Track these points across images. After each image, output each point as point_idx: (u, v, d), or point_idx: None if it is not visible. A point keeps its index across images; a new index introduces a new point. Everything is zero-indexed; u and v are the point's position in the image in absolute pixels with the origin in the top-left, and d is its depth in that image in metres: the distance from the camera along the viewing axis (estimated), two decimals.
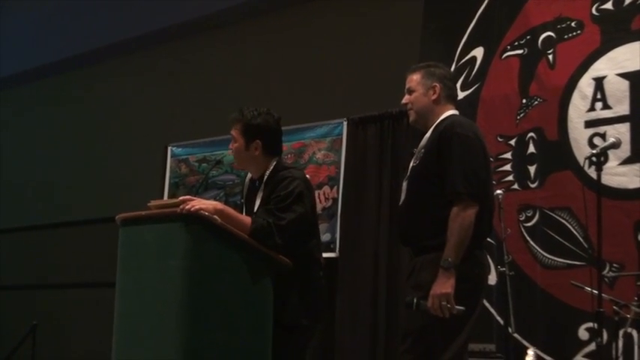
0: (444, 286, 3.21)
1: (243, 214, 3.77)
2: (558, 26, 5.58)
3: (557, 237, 5.34)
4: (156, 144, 7.98)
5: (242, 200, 3.98)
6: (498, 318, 5.34)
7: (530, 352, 4.96)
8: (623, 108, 5.19)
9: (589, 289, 4.30)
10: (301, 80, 7.29)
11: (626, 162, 5.11)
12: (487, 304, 5.33)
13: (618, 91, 5.23)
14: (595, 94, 5.33)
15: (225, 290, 3.44)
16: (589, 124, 5.32)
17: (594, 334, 4.26)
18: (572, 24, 5.53)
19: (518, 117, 5.67)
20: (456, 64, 6.01)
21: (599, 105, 5.30)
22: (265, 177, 3.75)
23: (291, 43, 7.47)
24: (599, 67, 5.34)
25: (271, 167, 3.76)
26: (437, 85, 3.58)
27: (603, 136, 5.21)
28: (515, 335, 4.91)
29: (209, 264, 3.41)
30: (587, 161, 4.13)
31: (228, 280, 3.45)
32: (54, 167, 9.31)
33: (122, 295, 3.57)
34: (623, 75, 5.23)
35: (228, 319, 3.42)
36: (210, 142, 7.45)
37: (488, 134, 5.43)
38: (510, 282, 4.78)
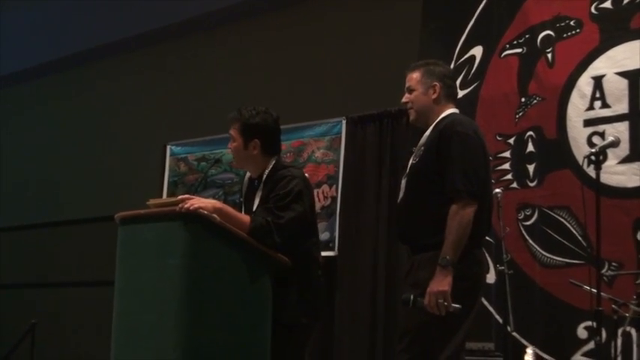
0: (441, 283, 3.21)
1: (242, 212, 3.77)
2: (557, 25, 5.59)
3: (556, 236, 5.34)
4: (155, 142, 7.98)
5: (241, 199, 3.98)
6: (497, 317, 5.35)
7: (529, 350, 4.97)
8: (622, 107, 5.19)
9: (588, 287, 4.30)
10: (300, 79, 7.29)
11: (624, 161, 5.11)
12: (486, 303, 5.34)
13: (617, 89, 5.23)
14: (594, 92, 5.33)
15: (224, 289, 3.44)
16: (588, 122, 5.32)
17: (593, 332, 4.26)
18: (571, 23, 5.53)
19: (517, 116, 5.67)
20: (455, 63, 6.02)
21: (598, 104, 5.31)
22: (264, 176, 3.75)
23: (291, 41, 7.47)
24: (598, 66, 5.34)
25: (270, 166, 3.76)
26: (437, 84, 3.57)
27: (602, 134, 5.21)
28: (514, 334, 4.91)
29: (208, 263, 3.41)
30: (586, 160, 4.12)
31: (227, 279, 3.45)
32: (53, 166, 9.30)
33: (121, 293, 3.57)
34: (622, 74, 5.23)
35: (227, 317, 3.42)
36: (210, 140, 7.45)
37: (487, 133, 5.42)
38: (509, 281, 4.79)
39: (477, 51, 5.98)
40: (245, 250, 3.49)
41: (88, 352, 7.95)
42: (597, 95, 5.31)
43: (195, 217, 3.38)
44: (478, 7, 6.02)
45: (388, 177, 6.27)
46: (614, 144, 4.27)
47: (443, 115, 3.53)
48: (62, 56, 9.22)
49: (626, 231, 5.03)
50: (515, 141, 5.66)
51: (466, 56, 6.02)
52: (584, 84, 5.37)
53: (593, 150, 4.10)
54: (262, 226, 3.52)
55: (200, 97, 8.01)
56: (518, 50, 5.76)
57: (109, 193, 8.38)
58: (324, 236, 6.37)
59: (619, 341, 4.39)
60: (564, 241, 5.29)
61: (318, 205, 6.33)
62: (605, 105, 5.27)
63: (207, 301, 3.37)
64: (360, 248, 6.35)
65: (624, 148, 5.06)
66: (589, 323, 4.89)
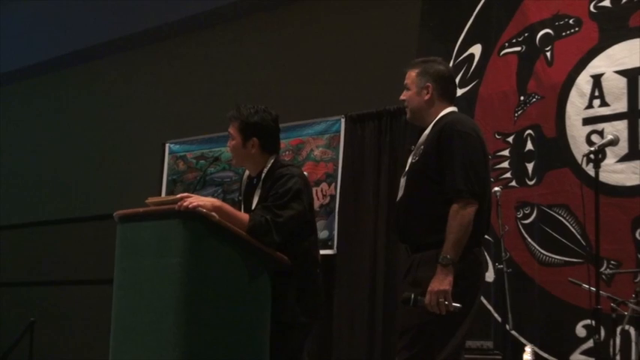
0: (442, 283, 3.20)
1: (241, 211, 3.77)
2: (556, 23, 5.59)
3: (554, 234, 5.34)
4: (154, 141, 7.97)
5: (240, 197, 3.97)
6: (496, 315, 5.35)
7: (528, 349, 4.97)
8: (621, 105, 5.20)
9: (587, 286, 4.30)
10: (299, 77, 7.28)
11: (623, 159, 5.11)
12: (485, 302, 5.34)
13: (616, 88, 5.23)
14: (593, 91, 5.33)
15: (223, 287, 3.43)
16: (587, 121, 5.33)
17: (592, 331, 4.27)
18: (570, 21, 5.53)
19: (516, 114, 5.67)
20: (454, 61, 6.02)
21: (597, 102, 5.31)
22: (263, 174, 3.75)
23: (289, 40, 7.47)
24: (597, 65, 5.34)
25: (269, 165, 3.76)
26: (430, 85, 3.54)
27: (601, 133, 5.21)
28: (513, 332, 4.92)
29: (207, 261, 3.41)
30: (584, 158, 4.13)
31: (225, 277, 3.45)
32: (52, 164, 9.30)
33: (119, 292, 3.56)
34: (621, 72, 5.24)
35: (226, 316, 3.42)
36: (208, 139, 7.45)
37: (486, 131, 5.44)
38: (508, 279, 4.79)
39: (476, 49, 5.98)
40: (244, 248, 3.49)
41: (86, 350, 7.96)
42: (596, 94, 5.31)
43: (194, 215, 3.38)
44: (477, 5, 6.02)
45: (387, 175, 6.27)
46: (613, 142, 4.28)
47: (442, 113, 3.52)
48: (61, 55, 9.22)
49: (624, 229, 5.03)
50: (514, 139, 5.66)
51: (465, 54, 6.02)
52: (583, 82, 5.37)
53: (592, 148, 4.10)
54: (261, 225, 3.51)
55: (199, 96, 8.01)
56: (518, 49, 5.76)
57: (108, 191, 8.39)
58: (322, 234, 6.37)
59: (618, 339, 4.39)
60: (563, 240, 5.30)
61: (316, 204, 6.33)
62: (604, 103, 5.27)
63: (205, 299, 3.37)
64: (358, 246, 6.35)
65: (623, 147, 5.07)
66: (588, 322, 4.90)
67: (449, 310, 3.20)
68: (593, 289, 3.98)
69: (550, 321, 5.27)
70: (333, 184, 6.59)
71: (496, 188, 4.80)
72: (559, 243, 5.31)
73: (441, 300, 3.20)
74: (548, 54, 5.59)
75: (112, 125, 8.81)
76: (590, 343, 4.94)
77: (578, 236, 5.22)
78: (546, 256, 5.36)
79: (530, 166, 5.55)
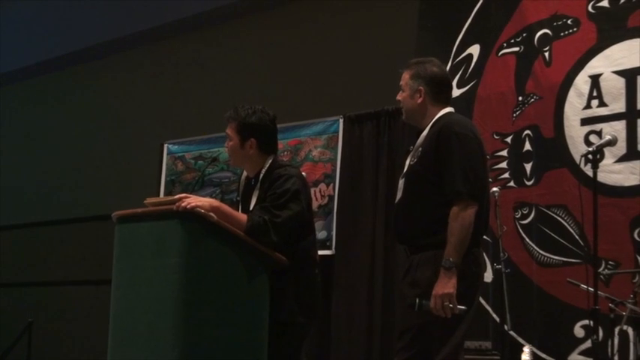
0: (447, 286, 3.20)
1: (239, 211, 3.76)
2: (554, 24, 5.59)
3: (553, 234, 5.34)
4: (152, 141, 7.97)
5: (238, 198, 3.97)
6: (494, 315, 5.35)
7: (526, 349, 4.97)
8: (619, 105, 5.20)
9: (585, 286, 4.30)
10: (297, 77, 7.28)
11: (621, 159, 5.11)
12: (483, 302, 5.33)
13: (614, 88, 5.23)
14: (591, 91, 5.33)
15: (221, 287, 3.43)
16: (585, 121, 5.33)
17: (590, 331, 4.27)
18: (569, 21, 5.53)
19: (515, 114, 5.67)
20: (452, 62, 6.02)
21: (595, 102, 5.31)
22: (261, 175, 3.75)
23: (288, 40, 7.47)
24: (595, 65, 5.35)
25: (267, 165, 3.76)
26: (422, 88, 3.52)
27: (599, 133, 5.21)
28: (511, 333, 4.91)
29: (205, 261, 3.41)
30: (583, 159, 4.14)
31: (224, 278, 3.45)
32: (50, 164, 9.30)
33: (118, 292, 3.57)
34: (619, 72, 5.24)
35: (225, 316, 3.42)
36: (207, 139, 7.44)
37: (485, 132, 5.44)
38: (506, 279, 4.79)
39: (474, 49, 5.98)
40: (242, 248, 3.49)
41: (84, 351, 7.95)
42: (594, 94, 5.31)
43: (192, 215, 3.38)
44: (475, 5, 6.02)
45: (385, 176, 6.26)
46: (611, 143, 4.28)
47: (439, 115, 3.51)
48: (59, 55, 9.22)
49: (623, 230, 5.03)
50: (512, 140, 5.66)
51: (463, 55, 6.02)
52: (582, 83, 5.38)
53: (590, 149, 4.10)
54: (259, 225, 3.51)
55: (197, 96, 8.01)
56: (516, 49, 5.76)
57: (106, 191, 8.38)
58: (321, 235, 6.37)
59: (616, 340, 4.39)
60: (561, 240, 5.30)
61: (315, 204, 6.32)
62: (602, 104, 5.27)
63: (204, 299, 3.37)
64: (357, 247, 6.35)
65: (621, 147, 5.07)
66: (586, 322, 4.89)
67: (454, 312, 3.20)
68: (592, 289, 3.98)
69: (548, 321, 5.27)
70: (332, 185, 6.58)
71: (494, 188, 4.80)
72: (557, 243, 5.31)
73: (446, 303, 3.20)
74: (547, 54, 5.59)
75: (111, 125, 8.81)
76: (588, 344, 4.95)
77: (577, 236, 5.22)
78: (544, 256, 5.37)
79: (528, 167, 5.55)
